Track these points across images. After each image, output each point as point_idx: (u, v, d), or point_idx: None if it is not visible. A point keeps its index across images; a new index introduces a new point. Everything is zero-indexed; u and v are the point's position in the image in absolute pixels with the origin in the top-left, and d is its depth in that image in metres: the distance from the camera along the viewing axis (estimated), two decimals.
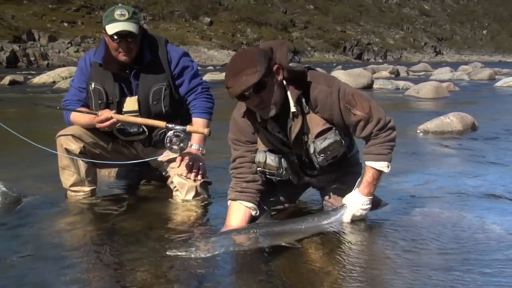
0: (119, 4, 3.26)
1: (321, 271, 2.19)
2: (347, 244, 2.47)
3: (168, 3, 65.73)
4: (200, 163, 3.25)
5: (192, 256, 2.24)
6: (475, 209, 3.05)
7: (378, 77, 18.22)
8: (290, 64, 2.42)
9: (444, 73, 21.23)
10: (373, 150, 2.54)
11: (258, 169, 2.64)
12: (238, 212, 2.62)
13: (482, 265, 2.21)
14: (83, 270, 2.23)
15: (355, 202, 2.62)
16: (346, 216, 2.63)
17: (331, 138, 2.49)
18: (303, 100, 2.46)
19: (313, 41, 75.27)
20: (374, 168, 2.56)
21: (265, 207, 2.75)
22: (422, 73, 25.46)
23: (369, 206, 2.64)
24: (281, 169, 2.63)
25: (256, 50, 2.36)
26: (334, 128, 2.50)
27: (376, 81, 15.48)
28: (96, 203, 3.29)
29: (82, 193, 3.35)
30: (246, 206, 2.62)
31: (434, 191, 3.51)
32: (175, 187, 3.28)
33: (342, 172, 2.76)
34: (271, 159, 2.59)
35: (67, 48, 46.93)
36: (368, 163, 2.57)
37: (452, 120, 6.28)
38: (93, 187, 3.40)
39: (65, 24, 51.68)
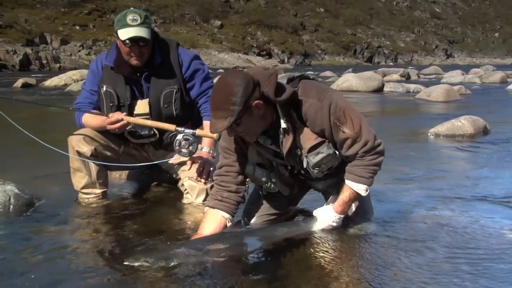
0: (131, 8, 3.28)
1: (321, 275, 2.18)
2: (349, 248, 2.47)
3: (179, 6, 65.98)
4: (211, 166, 3.26)
5: (150, 266, 2.21)
6: (486, 213, 3.02)
7: (389, 80, 18.14)
8: (281, 77, 2.40)
9: (455, 76, 21.09)
10: (356, 171, 2.48)
11: (247, 179, 2.65)
12: (214, 221, 2.59)
13: (492, 271, 2.19)
14: (93, 272, 2.24)
15: (327, 217, 2.60)
16: (316, 229, 2.62)
17: (324, 152, 2.44)
18: (294, 115, 2.41)
19: (324, 44, 75.11)
20: (352, 189, 2.51)
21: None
22: (433, 76, 25.31)
23: (339, 224, 2.61)
24: (269, 183, 2.64)
25: (234, 86, 2.23)
26: (327, 141, 2.45)
27: (386, 84, 15.41)
28: (107, 205, 3.31)
29: (93, 195, 3.37)
30: (223, 216, 2.60)
31: (444, 194, 3.49)
32: (185, 189, 3.29)
33: (342, 176, 2.73)
34: (259, 173, 2.61)
35: (79, 51, 47.25)
36: (347, 182, 2.52)
37: (464, 124, 6.24)
38: (104, 190, 3.42)
39: (77, 28, 52.06)
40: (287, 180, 2.67)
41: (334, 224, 2.60)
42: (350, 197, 2.54)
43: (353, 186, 2.50)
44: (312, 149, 2.43)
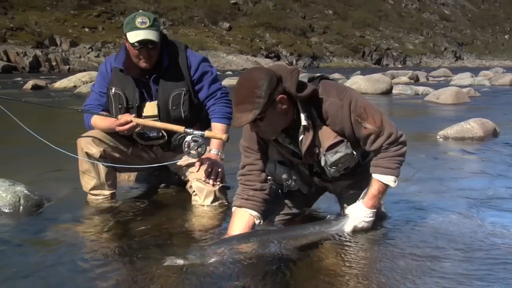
0: (140, 11, 3.30)
1: (332, 278, 2.18)
2: (360, 252, 2.46)
3: (188, 9, 66.20)
4: (219, 168, 3.27)
5: (190, 264, 2.24)
6: (496, 216, 3.00)
7: (397, 82, 18.08)
8: (302, 76, 2.43)
9: (464, 78, 20.95)
10: (382, 163, 2.51)
11: (268, 177, 2.66)
12: (242, 220, 2.62)
13: (502, 273, 2.18)
14: (101, 274, 2.25)
15: (358, 213, 2.60)
16: (348, 226, 2.62)
17: (342, 151, 2.46)
18: (314, 113, 2.44)
19: (332, 46, 75.03)
20: (380, 182, 2.53)
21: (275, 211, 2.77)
22: (442, 78, 25.19)
23: (372, 218, 2.61)
24: (290, 180, 2.65)
25: (259, 80, 2.27)
26: (345, 140, 2.47)
27: (395, 87, 15.36)
28: (115, 207, 3.32)
29: (102, 197, 3.39)
30: (251, 214, 2.62)
31: (453, 197, 3.47)
32: (193, 191, 3.30)
33: (358, 177, 2.73)
34: (280, 170, 2.62)
35: (88, 53, 47.55)
36: (375, 175, 2.54)
37: (473, 126, 6.20)
38: (112, 191, 3.44)
39: (86, 30, 52.38)
40: (306, 178, 2.69)
41: (367, 219, 2.59)
42: (380, 190, 2.54)
43: (381, 178, 2.52)
44: (330, 147, 2.46)
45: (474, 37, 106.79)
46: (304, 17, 79.91)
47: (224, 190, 3.31)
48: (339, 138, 2.46)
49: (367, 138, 2.46)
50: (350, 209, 2.65)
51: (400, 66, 66.77)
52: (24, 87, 17.75)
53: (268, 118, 2.33)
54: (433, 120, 8.30)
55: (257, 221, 2.63)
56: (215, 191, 3.24)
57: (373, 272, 2.25)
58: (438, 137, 6.20)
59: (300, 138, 2.47)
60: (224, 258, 2.30)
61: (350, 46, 76.19)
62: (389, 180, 2.52)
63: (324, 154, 2.48)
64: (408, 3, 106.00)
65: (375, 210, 2.60)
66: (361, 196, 2.63)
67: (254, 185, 2.64)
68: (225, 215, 3.15)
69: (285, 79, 2.34)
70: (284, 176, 2.63)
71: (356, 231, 2.61)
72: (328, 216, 2.75)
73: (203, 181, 3.24)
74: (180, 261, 2.26)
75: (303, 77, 2.49)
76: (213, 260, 2.28)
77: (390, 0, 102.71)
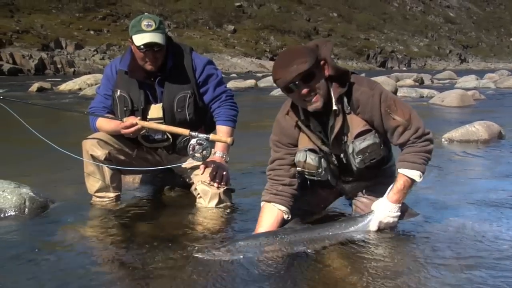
0: (146, 14, 3.31)
1: (345, 281, 2.17)
2: (375, 255, 2.45)
3: (192, 11, 66.36)
4: (224, 171, 3.27)
5: (218, 259, 2.30)
6: (501, 219, 2.99)
7: (402, 85, 18.05)
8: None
9: (469, 81, 20.90)
10: (408, 157, 2.52)
11: (297, 169, 2.65)
12: (271, 215, 2.63)
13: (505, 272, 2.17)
14: (106, 276, 2.26)
15: (383, 209, 2.58)
16: (373, 222, 2.59)
17: (370, 139, 2.50)
18: (345, 99, 2.48)
19: (337, 48, 74.94)
20: (406, 176, 2.53)
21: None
22: (447, 81, 25.12)
23: (398, 213, 2.59)
24: (321, 169, 2.62)
25: (303, 46, 2.45)
26: (374, 130, 2.51)
27: (400, 89, 15.33)
28: (120, 209, 3.33)
29: (107, 199, 3.40)
30: (279, 209, 2.64)
31: (458, 200, 3.46)
32: (198, 194, 3.30)
33: (375, 181, 2.73)
34: (311, 158, 2.60)
35: (93, 55, 47.73)
36: (400, 170, 2.54)
37: (478, 129, 6.18)
38: (117, 193, 3.45)
39: (91, 32, 52.61)
40: (334, 171, 2.70)
41: (392, 214, 2.57)
42: (405, 184, 2.54)
43: (407, 173, 2.52)
44: (359, 134, 2.50)
45: (479, 40, 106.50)
46: (309, 20, 79.95)
47: (228, 192, 3.31)
48: (368, 127, 2.50)
49: (394, 130, 2.50)
50: (375, 205, 2.63)
51: (404, 68, 66.71)
52: (30, 89, 17.83)
53: (318, 78, 2.38)
54: (438, 123, 8.27)
55: (285, 216, 2.64)
56: (219, 193, 3.24)
57: (386, 275, 2.24)
58: (443, 139, 6.18)
59: (330, 124, 2.51)
60: (247, 255, 2.32)
61: (354, 49, 76.18)
62: (415, 175, 2.52)
63: (352, 142, 2.51)
64: (413, 5, 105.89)
65: (400, 205, 2.59)
66: (387, 192, 2.61)
67: (284, 180, 2.66)
68: (230, 217, 3.15)
69: (320, 47, 2.44)
70: (315, 163, 2.60)
71: (382, 228, 2.61)
72: (353, 213, 2.75)
73: (208, 183, 3.24)
74: (209, 256, 2.32)
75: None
76: (235, 257, 2.31)
77: (395, 2, 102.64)
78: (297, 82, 2.34)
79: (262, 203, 2.70)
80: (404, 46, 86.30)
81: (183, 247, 2.57)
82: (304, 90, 2.38)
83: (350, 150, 2.54)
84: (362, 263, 2.34)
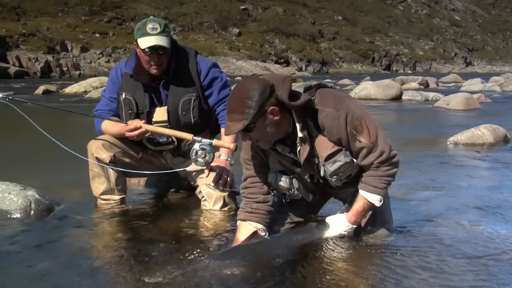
0: (151, 17, 3.31)
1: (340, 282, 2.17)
2: (372, 258, 2.45)
3: (198, 15, 66.52)
4: (229, 174, 3.27)
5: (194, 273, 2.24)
6: (507, 224, 2.98)
7: (407, 88, 18.01)
8: (297, 86, 2.43)
9: (474, 84, 20.82)
10: (370, 181, 2.48)
11: (270, 188, 2.65)
12: (247, 233, 2.59)
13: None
14: (111, 279, 2.26)
15: (339, 226, 2.58)
16: (327, 235, 2.61)
17: (341, 160, 2.43)
18: (311, 124, 2.41)
19: (342, 52, 74.98)
20: (366, 199, 2.51)
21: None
22: (452, 84, 25.07)
23: (351, 232, 2.60)
24: (293, 189, 2.63)
25: (250, 91, 2.25)
26: (344, 149, 2.44)
27: (405, 92, 15.31)
28: (125, 212, 3.33)
29: (112, 202, 3.40)
30: (256, 227, 2.61)
31: (464, 204, 3.45)
32: (203, 197, 3.30)
33: None
34: (282, 181, 2.60)
35: (99, 58, 47.91)
36: (362, 192, 2.51)
37: (484, 132, 6.16)
38: (122, 196, 3.45)
39: (97, 35, 52.81)
40: (309, 186, 2.66)
41: (345, 233, 2.59)
42: (364, 207, 2.53)
43: (367, 196, 2.50)
44: (329, 157, 2.42)
45: (485, 43, 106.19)
46: (314, 23, 79.96)
47: (233, 195, 3.32)
48: (336, 148, 2.42)
49: (359, 152, 2.43)
50: (331, 219, 2.63)
51: (409, 72, 66.49)
52: (36, 92, 17.90)
53: (258, 128, 2.31)
54: (443, 126, 8.26)
55: (262, 233, 2.62)
56: (224, 196, 3.24)
57: (378, 279, 2.24)
58: (448, 143, 6.17)
59: (298, 149, 2.45)
60: (210, 272, 2.26)
61: (359, 52, 76.11)
62: (375, 199, 2.50)
63: (323, 165, 2.45)
64: (418, 8, 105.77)
65: (355, 226, 2.59)
66: (344, 208, 2.63)
67: (257, 198, 2.63)
68: (234, 220, 3.14)
69: (277, 87, 2.31)
70: (286, 185, 2.60)
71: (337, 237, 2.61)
72: (310, 223, 2.75)
73: (213, 186, 3.25)
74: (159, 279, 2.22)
75: (300, 86, 2.45)
76: (199, 274, 2.24)
77: (399, 5, 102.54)
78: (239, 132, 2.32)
79: (238, 222, 2.68)
80: (409, 49, 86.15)
81: (188, 249, 2.57)
82: (245, 138, 2.40)
83: (322, 173, 2.48)
84: (354, 267, 2.33)
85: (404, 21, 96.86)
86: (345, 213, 2.60)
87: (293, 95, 2.34)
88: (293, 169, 2.58)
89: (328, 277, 2.25)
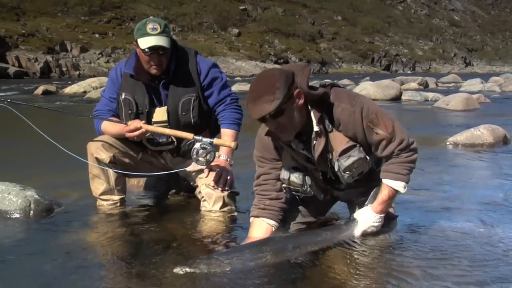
0: (151, 17, 3.31)
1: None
2: (375, 258, 2.45)
3: (197, 15, 66.55)
4: (228, 174, 3.27)
5: (201, 272, 2.23)
6: (507, 224, 2.98)
7: (407, 88, 18.02)
8: (312, 84, 2.45)
9: (474, 84, 20.82)
10: (392, 168, 2.51)
11: (283, 185, 2.65)
12: (260, 230, 2.61)
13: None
14: (110, 279, 2.26)
15: (367, 219, 2.59)
16: (357, 231, 2.61)
17: (355, 155, 2.46)
18: (326, 119, 2.44)
19: (341, 52, 75.04)
20: (390, 187, 2.52)
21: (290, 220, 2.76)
22: (452, 84, 25.06)
23: (381, 223, 2.61)
24: (305, 186, 2.63)
25: (277, 75, 2.30)
26: (358, 145, 2.47)
27: (404, 93, 15.32)
28: (125, 212, 3.33)
29: (112, 202, 3.40)
30: (268, 224, 2.62)
31: (463, 204, 3.45)
32: (202, 197, 3.30)
33: (370, 186, 2.72)
34: (295, 177, 2.60)
35: (98, 58, 47.96)
36: (385, 181, 2.53)
37: (483, 133, 6.16)
38: (122, 196, 3.45)
39: (96, 36, 52.85)
40: (321, 184, 2.68)
41: (376, 224, 2.59)
42: (389, 195, 2.54)
43: (391, 184, 2.52)
44: (343, 152, 2.45)
45: (484, 43, 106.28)
46: (313, 23, 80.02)
47: (233, 196, 3.31)
48: (351, 143, 2.46)
49: (378, 144, 2.46)
50: (358, 214, 2.64)
51: (409, 72, 66.60)
52: (35, 92, 17.92)
53: (288, 112, 2.31)
54: (442, 127, 8.26)
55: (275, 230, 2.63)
56: (224, 197, 3.24)
57: (381, 279, 2.24)
58: (447, 143, 6.17)
59: (313, 143, 2.47)
60: (234, 267, 2.28)
61: (359, 52, 76.19)
62: (399, 186, 2.52)
63: (338, 159, 2.47)
64: (417, 9, 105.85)
65: (383, 215, 2.60)
66: (369, 200, 2.63)
67: (270, 195, 2.64)
68: (234, 220, 3.15)
69: (297, 75, 2.36)
70: (299, 181, 2.60)
71: (365, 235, 2.61)
72: (338, 221, 2.74)
73: (212, 186, 3.25)
74: (188, 269, 2.25)
75: (314, 84, 2.49)
76: (222, 269, 2.26)
77: (399, 6, 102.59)
78: (266, 117, 2.29)
79: (251, 219, 2.69)
80: (409, 49, 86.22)
81: (187, 250, 2.58)
82: (273, 125, 2.37)
83: (336, 168, 2.51)
84: (358, 268, 2.33)
85: (404, 21, 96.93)
86: (370, 205, 2.60)
87: (311, 87, 2.40)
88: (307, 166, 2.59)
89: (328, 280, 2.25)
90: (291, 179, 2.60)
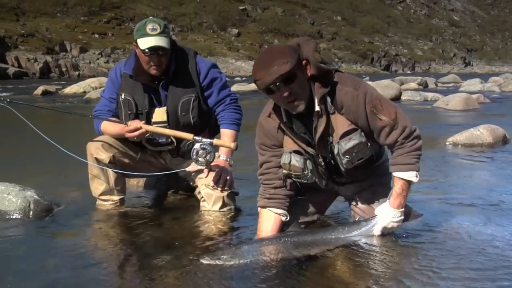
0: (151, 18, 3.31)
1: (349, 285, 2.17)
2: (377, 258, 2.45)
3: (197, 15, 66.57)
4: (228, 174, 3.27)
5: (224, 264, 2.29)
6: (506, 224, 2.98)
7: (406, 88, 18.02)
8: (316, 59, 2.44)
9: (473, 84, 20.82)
10: (400, 160, 2.48)
11: (283, 171, 2.60)
12: (269, 220, 2.62)
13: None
14: (110, 279, 2.26)
15: (386, 214, 2.55)
16: (377, 228, 2.58)
17: (356, 139, 2.44)
18: (328, 99, 2.42)
19: (341, 52, 75.07)
20: (402, 179, 2.49)
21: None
22: (451, 84, 25.07)
23: (401, 218, 2.56)
24: (307, 171, 2.56)
25: (284, 45, 2.37)
26: (359, 129, 2.46)
27: (404, 93, 15.32)
28: (124, 212, 3.33)
29: (111, 202, 3.41)
30: (276, 213, 2.62)
31: (462, 204, 3.45)
32: (202, 197, 3.30)
33: (371, 181, 2.71)
34: (296, 160, 2.54)
35: (98, 59, 47.97)
36: (396, 174, 2.50)
37: (483, 133, 6.16)
38: (121, 196, 3.45)
39: (96, 36, 52.88)
40: (322, 171, 2.66)
41: (396, 219, 2.54)
42: (403, 187, 2.51)
43: (402, 175, 2.49)
44: (344, 135, 2.44)
45: (484, 43, 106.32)
46: (313, 23, 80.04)
47: (232, 196, 3.32)
48: (353, 126, 2.45)
49: (381, 130, 2.45)
50: (378, 210, 2.60)
51: (409, 72, 66.62)
52: (35, 92, 17.91)
53: (299, 79, 2.32)
54: (442, 126, 8.26)
55: (283, 218, 2.64)
56: (223, 197, 3.24)
57: (385, 279, 2.24)
58: (447, 143, 6.17)
59: (314, 125, 2.46)
60: (249, 260, 2.32)
61: (358, 52, 76.22)
62: (411, 176, 2.48)
63: (338, 142, 2.46)
64: (417, 9, 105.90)
65: (403, 209, 2.55)
66: (388, 196, 2.58)
67: (274, 183, 2.64)
68: (234, 220, 3.15)
69: (302, 46, 2.37)
70: (300, 165, 2.54)
71: (384, 233, 2.59)
72: (358, 217, 2.74)
73: (212, 187, 3.25)
74: (216, 261, 2.31)
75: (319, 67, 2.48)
76: (238, 261, 2.31)
77: (399, 6, 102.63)
78: (278, 84, 2.27)
79: (259, 209, 2.69)
80: (408, 49, 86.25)
81: (186, 250, 2.58)
82: (285, 93, 2.31)
83: (336, 151, 2.48)
84: (366, 267, 2.33)
85: (403, 22, 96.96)
86: (388, 201, 2.57)
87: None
88: (307, 151, 2.57)
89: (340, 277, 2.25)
90: (292, 162, 2.54)
